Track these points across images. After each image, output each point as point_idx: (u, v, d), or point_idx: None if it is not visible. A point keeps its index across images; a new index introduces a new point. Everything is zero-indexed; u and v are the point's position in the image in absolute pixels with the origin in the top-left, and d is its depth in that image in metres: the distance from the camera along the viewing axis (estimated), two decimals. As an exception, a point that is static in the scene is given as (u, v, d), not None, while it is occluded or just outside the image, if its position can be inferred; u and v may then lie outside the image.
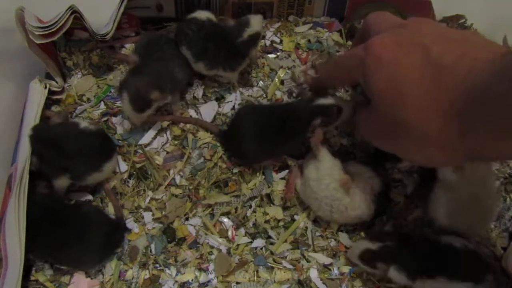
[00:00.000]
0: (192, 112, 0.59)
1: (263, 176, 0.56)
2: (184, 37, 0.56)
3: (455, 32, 0.41)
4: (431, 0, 0.65)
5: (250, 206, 0.55)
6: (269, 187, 0.55)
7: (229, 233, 0.53)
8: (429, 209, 0.52)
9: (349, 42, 0.66)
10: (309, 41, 0.66)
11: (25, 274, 0.45)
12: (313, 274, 0.52)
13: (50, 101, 0.58)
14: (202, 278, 0.50)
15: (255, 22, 0.56)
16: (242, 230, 0.53)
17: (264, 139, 0.53)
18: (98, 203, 0.54)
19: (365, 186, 0.51)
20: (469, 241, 0.49)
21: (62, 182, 0.51)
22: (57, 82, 0.58)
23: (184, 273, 0.51)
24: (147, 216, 0.53)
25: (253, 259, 0.52)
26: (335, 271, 0.52)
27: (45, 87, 0.55)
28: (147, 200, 0.54)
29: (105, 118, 0.58)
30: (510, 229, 0.56)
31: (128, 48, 0.63)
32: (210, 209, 0.54)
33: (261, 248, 0.53)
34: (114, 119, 0.58)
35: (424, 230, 0.52)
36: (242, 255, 0.52)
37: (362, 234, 0.54)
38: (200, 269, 0.51)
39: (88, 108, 0.59)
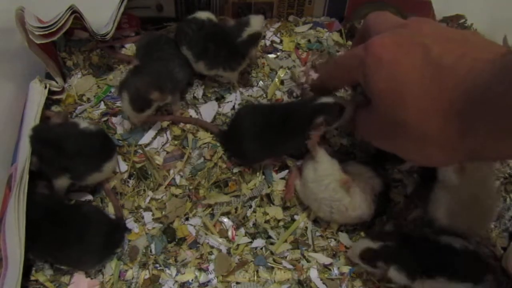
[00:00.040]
0: (192, 112, 0.59)
1: (263, 176, 0.56)
2: (184, 36, 0.56)
3: (455, 32, 0.41)
4: (431, 0, 0.65)
5: (250, 206, 0.55)
6: (269, 187, 0.55)
7: (229, 233, 0.53)
8: (429, 209, 0.52)
9: (349, 42, 0.66)
10: (309, 41, 0.66)
11: (25, 274, 0.45)
12: (313, 274, 0.52)
13: (50, 101, 0.58)
14: (202, 278, 0.50)
15: (255, 22, 0.56)
16: (242, 230, 0.53)
17: (264, 139, 0.53)
18: (98, 203, 0.54)
19: (365, 186, 0.51)
20: (469, 241, 0.49)
21: (62, 182, 0.51)
22: (57, 82, 0.58)
23: (184, 273, 0.51)
24: (147, 216, 0.53)
25: (253, 259, 0.52)
26: (335, 271, 0.52)
27: (45, 87, 0.55)
28: (147, 200, 0.54)
29: (105, 118, 0.58)
30: (510, 229, 0.56)
31: (128, 48, 0.63)
32: (210, 209, 0.54)
33: (261, 248, 0.53)
34: (114, 119, 0.58)
35: (424, 230, 0.52)
36: (242, 255, 0.52)
37: (362, 234, 0.54)
38: (200, 269, 0.51)
39: (88, 108, 0.59)
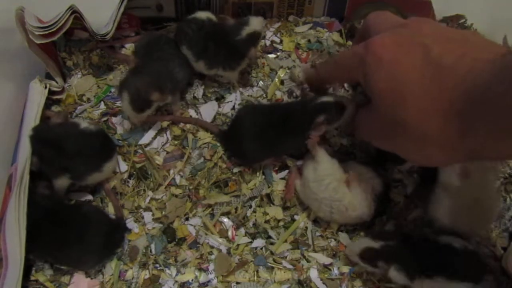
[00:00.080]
0: (192, 112, 0.59)
1: (263, 176, 0.56)
2: (184, 36, 0.56)
3: (455, 32, 0.41)
4: (431, 0, 0.65)
5: (250, 206, 0.55)
6: (269, 187, 0.55)
7: (229, 233, 0.53)
8: (429, 209, 0.52)
9: (349, 42, 0.66)
10: (309, 41, 0.66)
11: (25, 274, 0.45)
12: (313, 274, 0.52)
13: (50, 101, 0.58)
14: (202, 278, 0.50)
15: (255, 21, 0.56)
16: (242, 230, 0.53)
17: (264, 139, 0.53)
18: (98, 203, 0.54)
19: (366, 186, 0.51)
20: (469, 241, 0.49)
21: (62, 182, 0.51)
22: (57, 82, 0.58)
23: (184, 273, 0.51)
24: (147, 216, 0.53)
25: (253, 259, 0.52)
26: (335, 271, 0.52)
27: (45, 87, 0.55)
28: (147, 200, 0.54)
29: (105, 118, 0.58)
30: (510, 229, 0.56)
31: (128, 48, 0.63)
32: (210, 209, 0.54)
33: (261, 248, 0.53)
34: (114, 119, 0.58)
35: (424, 230, 0.52)
36: (242, 255, 0.52)
37: (362, 234, 0.54)
38: (200, 269, 0.51)
39: (88, 108, 0.59)
